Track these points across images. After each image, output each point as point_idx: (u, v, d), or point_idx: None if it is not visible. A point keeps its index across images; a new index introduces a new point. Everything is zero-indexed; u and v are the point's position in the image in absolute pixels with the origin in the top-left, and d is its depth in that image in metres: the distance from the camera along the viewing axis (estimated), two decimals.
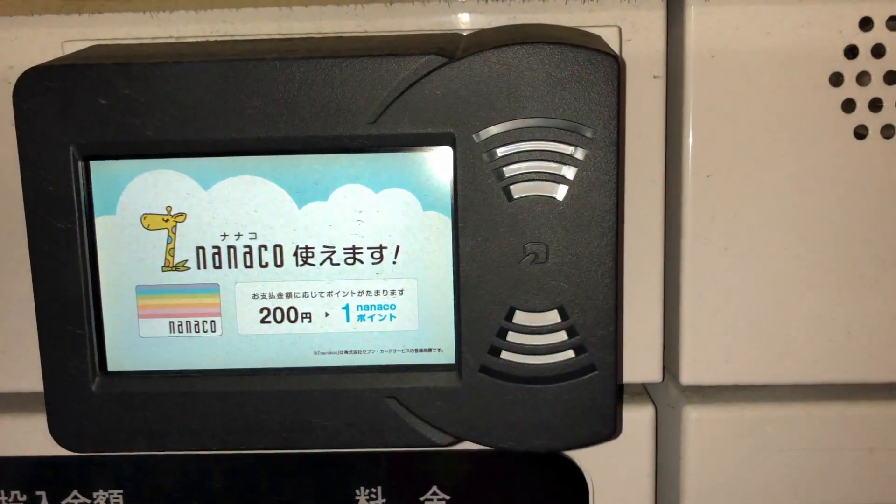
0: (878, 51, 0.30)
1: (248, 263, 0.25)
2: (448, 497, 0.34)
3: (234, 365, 0.25)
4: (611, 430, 0.26)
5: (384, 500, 0.34)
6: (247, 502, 0.34)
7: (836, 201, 0.31)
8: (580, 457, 0.34)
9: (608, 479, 0.34)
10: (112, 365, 0.25)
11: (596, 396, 0.25)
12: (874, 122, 0.30)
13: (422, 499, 0.34)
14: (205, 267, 0.25)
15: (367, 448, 0.28)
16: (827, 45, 0.30)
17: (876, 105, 0.30)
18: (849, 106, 0.30)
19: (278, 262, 0.25)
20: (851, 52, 0.30)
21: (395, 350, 0.25)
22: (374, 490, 0.34)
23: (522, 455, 0.33)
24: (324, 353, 0.25)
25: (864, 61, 0.30)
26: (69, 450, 0.26)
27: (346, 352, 0.25)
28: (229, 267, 0.25)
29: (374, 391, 0.25)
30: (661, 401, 0.35)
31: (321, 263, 0.25)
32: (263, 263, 0.25)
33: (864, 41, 0.30)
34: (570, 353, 0.24)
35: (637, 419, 0.33)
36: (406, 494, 0.34)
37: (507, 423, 0.25)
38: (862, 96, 0.30)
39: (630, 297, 0.31)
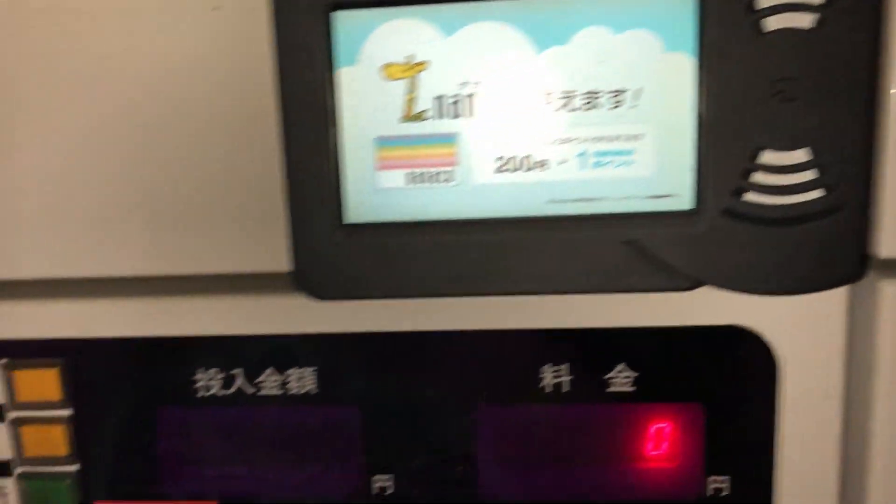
0: None
1: (486, 112, 0.25)
2: (635, 374, 0.35)
3: (469, 215, 0.26)
4: (858, 272, 0.26)
5: (570, 378, 0.35)
6: (432, 382, 0.35)
7: None
8: (769, 333, 0.34)
9: (798, 356, 0.34)
10: (352, 217, 0.26)
11: (843, 237, 0.24)
12: None
13: (607, 377, 0.35)
14: (443, 116, 0.25)
15: (604, 292, 0.28)
16: None
17: None
18: None
19: (516, 110, 0.25)
20: None
21: (631, 197, 0.25)
22: (559, 368, 0.35)
23: (711, 330, 0.34)
24: (558, 202, 0.26)
25: None
26: (315, 297, 0.27)
27: (582, 199, 0.26)
28: (467, 116, 0.25)
29: (610, 238, 0.25)
30: None
31: (558, 109, 0.25)
32: (501, 111, 0.25)
33: None
34: (818, 193, 0.24)
35: (829, 294, 0.33)
36: (592, 372, 0.35)
37: (750, 266, 0.25)
38: None
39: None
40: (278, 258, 0.31)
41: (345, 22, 0.25)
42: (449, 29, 0.25)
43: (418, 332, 0.35)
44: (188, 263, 0.34)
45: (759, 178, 0.24)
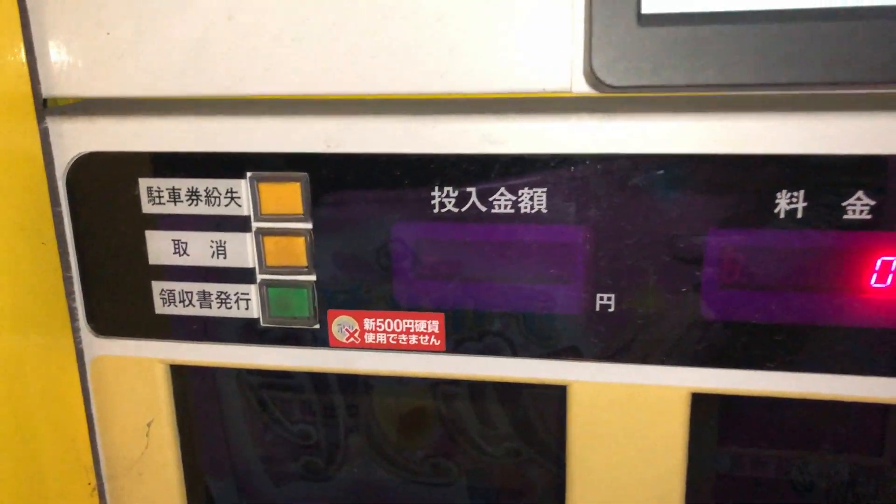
0: None
1: None
2: (872, 203, 0.35)
3: (769, 5, 0.26)
4: None
5: (805, 204, 0.35)
6: (659, 205, 0.36)
7: None
8: None
9: None
10: (649, 7, 0.27)
11: None
12: None
13: (844, 203, 0.35)
14: None
15: None
16: None
17: None
18: None
19: None
20: None
21: None
22: (795, 194, 0.35)
23: None
24: None
25: None
26: (614, 86, 0.28)
27: None
28: None
29: None
30: None
31: None
32: None
33: None
34: None
35: None
36: (829, 199, 0.35)
37: None
38: None
39: None
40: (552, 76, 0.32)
41: None
42: None
43: (654, 153, 0.36)
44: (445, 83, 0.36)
45: None
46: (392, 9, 0.36)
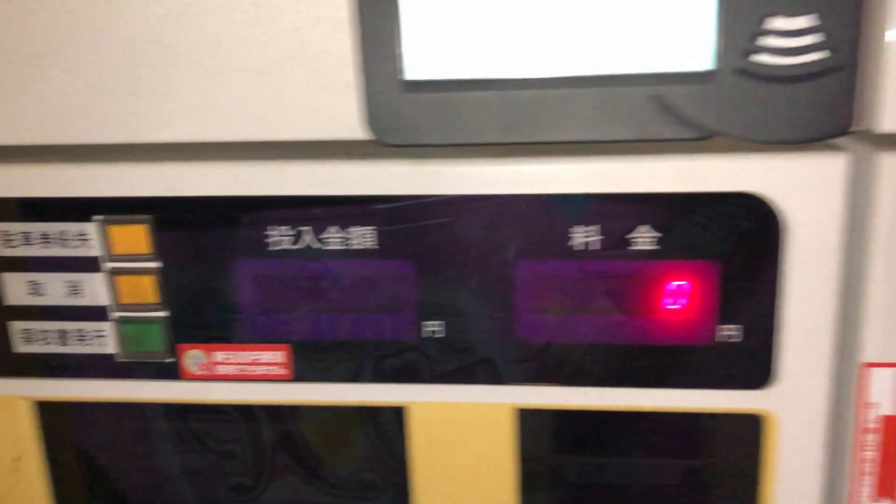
0: None
1: None
2: (656, 235, 0.39)
3: (519, 74, 0.30)
4: (847, 126, 0.29)
5: (599, 237, 0.39)
6: (474, 240, 0.40)
7: None
8: (777, 199, 0.38)
9: (802, 220, 0.38)
10: (411, 74, 0.30)
11: (838, 94, 0.28)
12: None
13: (632, 236, 0.39)
14: None
15: (629, 139, 0.32)
16: None
17: None
18: None
19: None
20: None
21: (657, 57, 0.29)
22: (589, 228, 0.39)
23: (725, 196, 0.38)
24: (592, 62, 0.30)
25: None
26: (385, 142, 0.31)
27: (616, 59, 0.29)
28: None
29: (638, 93, 0.29)
30: (857, 148, 0.39)
31: None
32: None
33: None
34: (819, 55, 0.28)
35: (832, 164, 0.37)
36: (618, 232, 0.39)
37: (758, 119, 0.29)
38: None
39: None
40: (346, 126, 0.35)
41: None
42: None
43: (467, 195, 0.39)
44: (266, 130, 0.39)
45: (769, 41, 0.28)
46: (217, 66, 0.39)
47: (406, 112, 0.30)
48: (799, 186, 0.37)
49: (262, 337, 0.43)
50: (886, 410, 0.39)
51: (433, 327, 0.42)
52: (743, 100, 0.29)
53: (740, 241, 0.39)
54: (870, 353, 0.39)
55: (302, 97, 0.37)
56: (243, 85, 0.39)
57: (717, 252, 0.39)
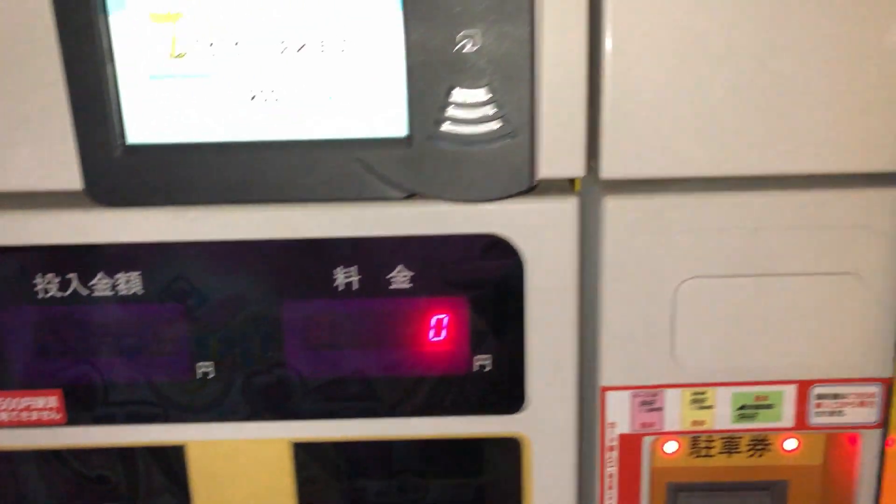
0: None
1: (239, 53, 0.31)
2: (411, 274, 0.41)
3: (230, 138, 0.32)
4: (526, 183, 0.33)
5: (359, 277, 0.42)
6: (240, 283, 0.41)
7: (733, 15, 0.37)
8: (517, 240, 0.41)
9: (540, 258, 0.41)
10: (131, 138, 0.32)
11: (516, 158, 0.31)
12: None
13: (389, 276, 0.42)
14: (202, 56, 0.31)
15: (337, 200, 0.34)
16: None
17: None
18: None
19: (262, 52, 0.31)
20: None
21: (358, 124, 0.31)
22: (349, 269, 0.42)
23: (471, 238, 0.41)
24: (301, 128, 0.32)
25: None
26: (102, 204, 0.32)
27: (319, 126, 0.32)
28: (223, 56, 0.31)
29: (342, 157, 0.31)
30: (587, 193, 0.42)
31: (298, 50, 0.31)
32: (250, 53, 0.31)
33: None
34: (496, 124, 0.31)
35: (564, 207, 0.40)
36: (376, 272, 0.41)
37: (448, 179, 0.32)
38: None
39: (558, 100, 0.37)
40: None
41: None
42: None
43: (230, 240, 0.41)
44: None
45: (452, 111, 0.31)
46: None
47: (125, 175, 0.31)
48: (536, 228, 0.41)
49: (34, 383, 0.43)
50: (623, 429, 0.43)
51: (206, 368, 0.43)
52: (435, 163, 0.31)
53: (487, 278, 0.41)
54: (607, 377, 0.43)
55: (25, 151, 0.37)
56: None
57: (467, 289, 0.42)
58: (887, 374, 0.42)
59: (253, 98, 0.32)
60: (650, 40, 0.37)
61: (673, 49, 0.37)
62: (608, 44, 0.37)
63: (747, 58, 0.37)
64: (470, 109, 0.31)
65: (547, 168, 0.38)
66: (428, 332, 0.43)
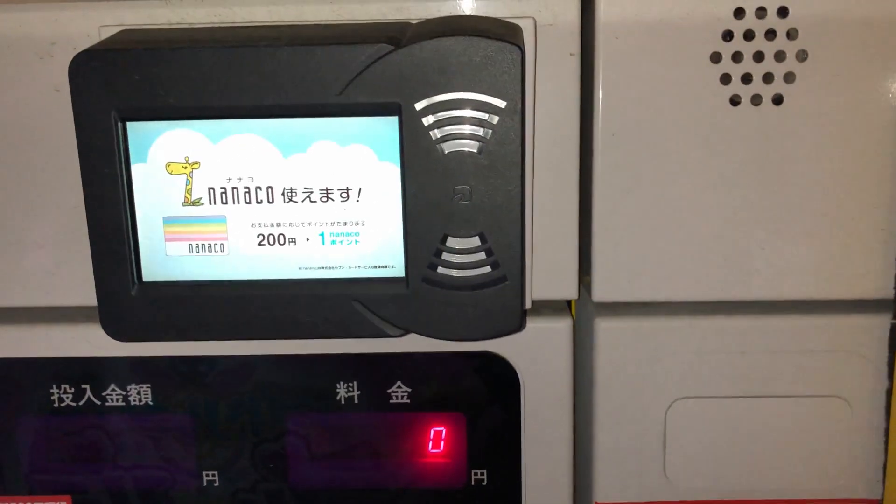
0: (749, 35, 0.37)
1: (248, 200, 0.33)
2: (410, 389, 0.43)
3: (238, 276, 0.34)
4: (517, 326, 0.34)
5: (359, 392, 0.43)
6: (248, 396, 0.43)
7: (721, 152, 0.39)
8: (513, 359, 0.42)
9: (535, 377, 0.42)
10: (146, 276, 0.34)
11: (507, 301, 0.33)
12: (746, 92, 0.38)
13: (389, 391, 0.43)
14: (214, 203, 0.33)
15: (338, 337, 0.36)
16: (707, 29, 0.37)
17: (748, 79, 0.38)
18: (726, 79, 0.38)
19: (270, 200, 0.33)
20: (728, 35, 0.37)
21: (359, 266, 0.33)
22: (350, 384, 0.43)
23: (468, 356, 0.42)
24: (305, 269, 0.34)
25: (738, 43, 0.37)
26: (117, 339, 0.34)
27: (322, 267, 0.34)
28: (233, 203, 0.33)
29: (343, 296, 0.33)
30: (581, 314, 0.44)
31: (302, 200, 0.33)
32: (259, 200, 0.33)
33: (738, 27, 0.37)
34: (488, 269, 0.33)
35: (558, 328, 0.42)
36: (376, 388, 0.43)
37: (442, 319, 0.33)
38: (736, 71, 0.38)
39: (552, 229, 0.39)
40: None
41: (135, 130, 0.32)
42: (215, 138, 0.32)
43: (237, 355, 0.42)
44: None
45: (447, 256, 0.33)
46: None
47: (141, 311, 0.33)
48: (531, 347, 0.42)
49: (45, 489, 0.45)
50: None
51: (210, 477, 0.44)
52: (429, 304, 0.33)
53: (483, 394, 0.43)
54: (601, 493, 0.44)
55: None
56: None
57: (463, 404, 0.43)
58: (876, 495, 0.42)
59: (259, 241, 0.34)
60: (639, 168, 0.39)
61: (662, 179, 0.39)
62: (597, 171, 0.39)
63: (736, 186, 0.39)
64: (463, 255, 0.32)
65: (541, 291, 0.40)
66: (426, 446, 0.44)
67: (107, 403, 0.44)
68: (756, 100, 0.38)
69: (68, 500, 0.45)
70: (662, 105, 0.38)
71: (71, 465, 0.44)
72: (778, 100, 0.38)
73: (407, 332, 0.34)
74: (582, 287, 0.43)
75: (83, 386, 0.43)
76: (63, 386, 0.43)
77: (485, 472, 0.44)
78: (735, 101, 0.38)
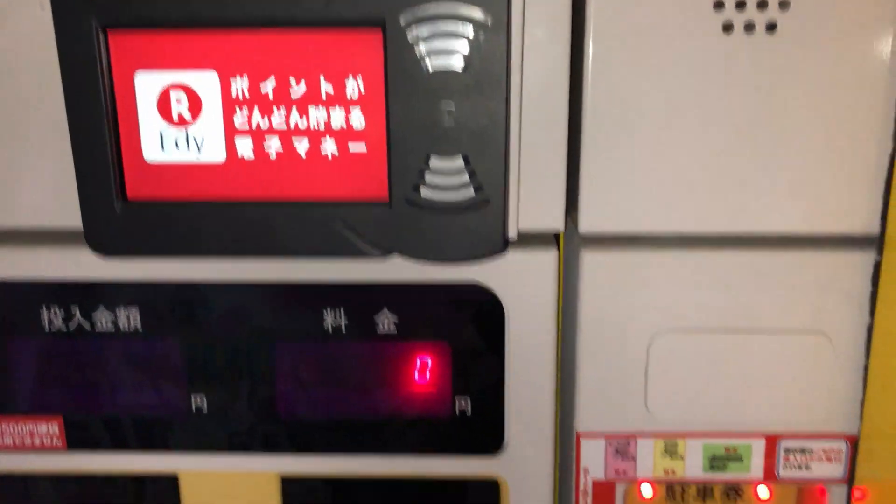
0: None
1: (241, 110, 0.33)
2: (396, 319, 0.43)
3: (227, 196, 0.34)
4: (500, 248, 0.34)
5: (346, 321, 0.43)
6: (236, 323, 0.43)
7: (711, 82, 0.39)
8: (498, 289, 0.42)
9: (520, 308, 0.43)
10: (130, 194, 0.34)
11: (490, 223, 0.33)
12: (739, 19, 0.38)
13: (375, 317, 0.43)
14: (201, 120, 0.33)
15: (321, 256, 0.36)
16: None
17: (741, 5, 0.37)
18: (719, 5, 0.37)
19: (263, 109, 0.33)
20: None
21: (346, 188, 0.34)
22: (338, 312, 0.43)
23: (455, 286, 0.42)
24: (294, 187, 0.34)
25: None
26: (102, 254, 0.35)
27: (313, 190, 0.34)
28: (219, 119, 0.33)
29: (329, 217, 0.33)
30: (568, 248, 0.44)
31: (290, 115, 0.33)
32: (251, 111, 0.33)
33: None
34: (471, 191, 0.33)
35: (544, 259, 0.42)
36: (363, 314, 0.43)
37: (425, 241, 0.33)
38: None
39: (539, 159, 0.39)
40: None
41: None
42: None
43: (225, 282, 0.43)
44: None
45: (430, 178, 0.33)
46: None
47: (125, 227, 0.33)
48: (516, 277, 0.42)
49: (37, 410, 0.45)
50: (597, 475, 0.44)
51: (199, 401, 0.45)
52: (413, 226, 0.33)
53: (468, 324, 0.43)
54: (583, 423, 0.44)
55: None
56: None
57: (449, 334, 0.43)
58: (853, 430, 0.43)
59: (245, 157, 0.34)
60: (629, 101, 0.39)
61: (651, 111, 0.39)
62: (588, 103, 0.39)
63: (724, 120, 0.39)
64: (446, 177, 0.32)
65: (527, 221, 0.40)
66: (411, 375, 0.45)
67: (96, 328, 0.44)
68: (749, 27, 0.37)
69: (59, 420, 0.46)
70: (653, 32, 0.38)
71: (62, 387, 0.45)
72: (772, 26, 0.37)
73: (390, 252, 0.34)
74: (569, 220, 0.43)
75: (73, 307, 0.44)
76: (53, 308, 0.44)
77: (468, 400, 0.44)
78: (728, 26, 0.37)
